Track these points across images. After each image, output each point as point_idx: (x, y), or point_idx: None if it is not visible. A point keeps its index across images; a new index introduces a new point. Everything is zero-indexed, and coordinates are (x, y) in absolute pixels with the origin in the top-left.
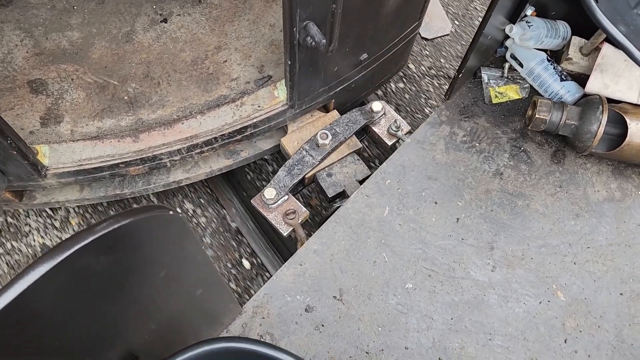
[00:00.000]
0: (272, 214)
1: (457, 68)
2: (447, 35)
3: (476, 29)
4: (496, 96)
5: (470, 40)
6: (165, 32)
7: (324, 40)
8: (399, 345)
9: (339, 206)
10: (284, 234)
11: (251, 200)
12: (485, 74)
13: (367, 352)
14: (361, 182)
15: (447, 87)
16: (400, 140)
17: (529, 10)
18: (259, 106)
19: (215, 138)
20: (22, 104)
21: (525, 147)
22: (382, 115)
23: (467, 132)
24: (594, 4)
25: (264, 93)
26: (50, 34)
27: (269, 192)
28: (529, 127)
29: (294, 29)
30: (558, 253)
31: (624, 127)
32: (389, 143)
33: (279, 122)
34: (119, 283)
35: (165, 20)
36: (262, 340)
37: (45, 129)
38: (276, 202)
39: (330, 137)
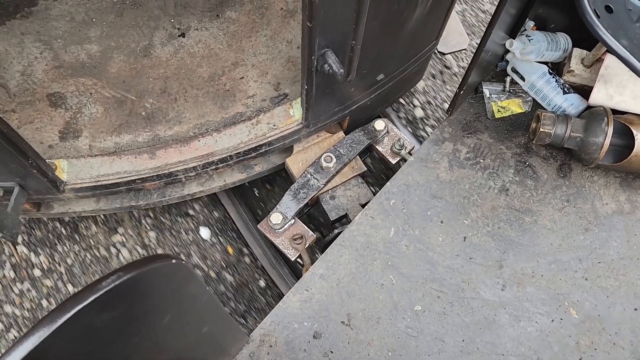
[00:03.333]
0: (279, 239)
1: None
2: (465, 49)
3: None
4: (499, 111)
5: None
6: (183, 47)
7: (342, 70)
8: None
9: (340, 231)
10: (292, 259)
11: (258, 226)
12: (486, 89)
13: None
14: (364, 205)
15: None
16: (402, 160)
17: (529, 24)
18: (274, 125)
19: (230, 156)
20: (42, 117)
21: (531, 161)
22: (385, 134)
23: (470, 148)
24: (595, 19)
25: (280, 112)
26: (69, 46)
27: (276, 217)
28: (534, 141)
29: (312, 57)
30: (569, 269)
31: (631, 138)
32: (393, 162)
33: (293, 140)
34: (124, 333)
35: (183, 35)
36: None
37: (64, 143)
38: (283, 226)
39: (334, 159)
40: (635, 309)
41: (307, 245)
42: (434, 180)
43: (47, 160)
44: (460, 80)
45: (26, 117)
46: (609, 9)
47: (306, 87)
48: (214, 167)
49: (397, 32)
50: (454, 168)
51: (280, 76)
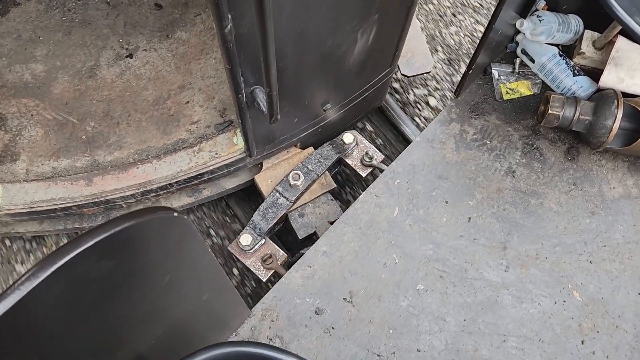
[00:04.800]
0: (249, 260)
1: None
2: (429, 72)
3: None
4: (507, 92)
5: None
6: (130, 68)
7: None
8: (411, 347)
9: (304, 253)
10: (264, 280)
11: (228, 247)
12: (495, 70)
13: (378, 355)
14: (332, 223)
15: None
16: (375, 169)
17: (540, 4)
18: (216, 153)
19: (170, 184)
20: None
21: (538, 144)
22: (354, 146)
23: (477, 129)
24: None
25: (223, 139)
26: (14, 65)
27: (245, 239)
28: (542, 124)
29: (240, 95)
30: (573, 252)
31: None
32: (363, 174)
33: (238, 168)
34: (121, 289)
35: (130, 56)
36: (271, 344)
37: (0, 166)
38: (253, 247)
39: (302, 177)
40: (639, 293)
41: (280, 263)
42: (440, 160)
43: None
44: (469, 60)
45: None
46: None
47: (240, 121)
48: (153, 194)
49: (339, 66)
50: (461, 149)
51: (227, 101)
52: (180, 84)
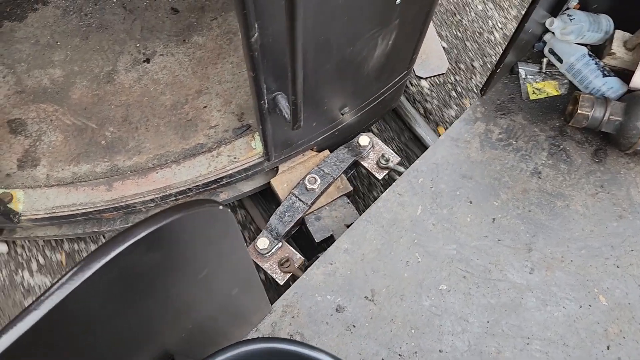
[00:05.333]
0: (267, 264)
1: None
2: (444, 73)
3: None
4: (534, 92)
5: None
6: (147, 73)
7: (289, 118)
8: (433, 348)
9: (319, 257)
10: (281, 283)
11: None
12: (522, 70)
13: (399, 355)
14: (349, 226)
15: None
16: (391, 172)
17: (572, 3)
18: (235, 157)
19: (189, 188)
20: (1, 144)
21: (565, 145)
22: (370, 149)
23: (503, 129)
24: None
25: (241, 144)
26: (32, 70)
27: (262, 242)
28: (570, 124)
29: (262, 101)
30: (600, 256)
31: None
32: (379, 177)
33: (256, 172)
34: (162, 282)
35: (147, 60)
36: (296, 340)
37: (21, 172)
38: (270, 251)
39: (318, 180)
40: None
41: (298, 266)
42: (465, 160)
43: (3, 190)
44: (497, 59)
45: None
46: None
47: (260, 126)
48: (172, 198)
49: (359, 71)
50: (486, 148)
51: (245, 106)
52: (198, 88)
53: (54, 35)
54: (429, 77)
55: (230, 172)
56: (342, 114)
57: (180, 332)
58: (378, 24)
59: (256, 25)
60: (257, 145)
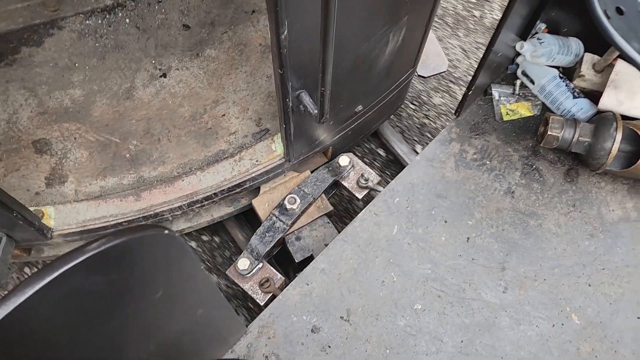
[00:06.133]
0: (247, 284)
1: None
2: (444, 72)
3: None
4: (507, 113)
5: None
6: (165, 87)
7: (316, 111)
8: None
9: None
10: (261, 304)
11: (226, 272)
12: (496, 91)
13: None
14: None
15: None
16: (371, 191)
17: (540, 27)
18: (257, 160)
19: (215, 193)
20: (28, 164)
21: (537, 165)
22: (350, 169)
23: (477, 149)
24: (605, 21)
25: (262, 147)
26: (53, 92)
27: (243, 263)
28: (541, 144)
29: (287, 99)
30: (572, 274)
31: (639, 144)
32: (359, 196)
33: (277, 174)
34: (115, 303)
35: (164, 75)
36: None
37: (50, 189)
38: (251, 271)
39: (298, 200)
40: (638, 317)
41: (278, 286)
42: (440, 179)
43: (34, 208)
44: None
45: (12, 165)
46: (619, 11)
47: (284, 126)
48: (199, 204)
49: (371, 68)
50: (460, 168)
51: (261, 111)
52: (214, 98)
53: (72, 58)
54: (431, 76)
55: (253, 174)
56: (356, 112)
57: (144, 353)
58: (390, 20)
59: (286, 22)
60: (277, 147)
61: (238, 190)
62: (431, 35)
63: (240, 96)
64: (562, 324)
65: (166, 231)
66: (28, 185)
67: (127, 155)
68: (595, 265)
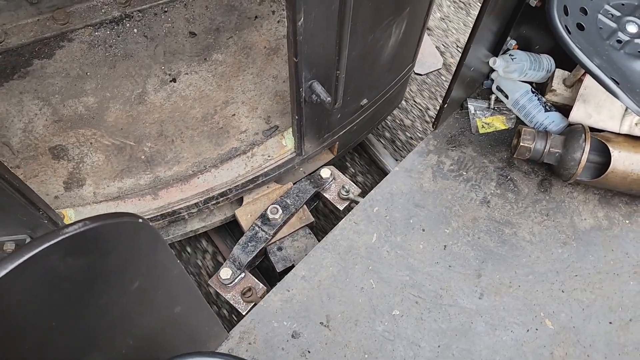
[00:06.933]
0: (229, 294)
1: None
2: (440, 69)
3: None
4: (483, 126)
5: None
6: (175, 91)
7: (329, 99)
8: None
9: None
10: (243, 313)
11: (209, 281)
12: (471, 105)
13: None
14: None
15: None
16: (352, 202)
17: (511, 43)
18: (268, 156)
19: (230, 189)
20: (46, 170)
21: (512, 176)
22: (331, 181)
23: (454, 161)
24: (566, 37)
25: (273, 143)
26: (67, 100)
27: (225, 272)
28: (514, 156)
29: (300, 89)
30: (546, 281)
31: (608, 155)
32: (341, 207)
33: (288, 169)
34: (90, 289)
35: (174, 80)
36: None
37: (69, 193)
38: (233, 281)
39: (280, 210)
40: (610, 323)
41: (260, 296)
42: (418, 189)
43: (56, 212)
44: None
45: (31, 172)
46: (580, 27)
47: (297, 117)
48: (214, 201)
49: (376, 60)
50: (438, 179)
51: (270, 110)
52: (224, 99)
53: (83, 67)
54: (428, 73)
55: (265, 169)
56: (362, 106)
57: (122, 347)
58: (394, 11)
59: (303, 9)
60: (287, 142)
61: (251, 185)
62: (425, 36)
63: (249, 96)
64: (537, 329)
65: (140, 220)
66: (47, 190)
67: (143, 157)
68: (568, 272)
